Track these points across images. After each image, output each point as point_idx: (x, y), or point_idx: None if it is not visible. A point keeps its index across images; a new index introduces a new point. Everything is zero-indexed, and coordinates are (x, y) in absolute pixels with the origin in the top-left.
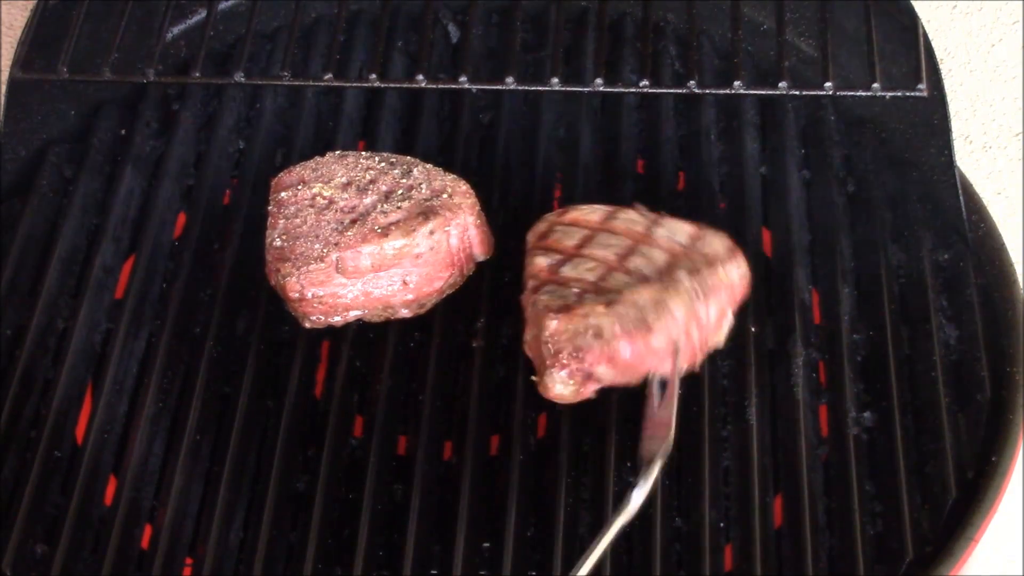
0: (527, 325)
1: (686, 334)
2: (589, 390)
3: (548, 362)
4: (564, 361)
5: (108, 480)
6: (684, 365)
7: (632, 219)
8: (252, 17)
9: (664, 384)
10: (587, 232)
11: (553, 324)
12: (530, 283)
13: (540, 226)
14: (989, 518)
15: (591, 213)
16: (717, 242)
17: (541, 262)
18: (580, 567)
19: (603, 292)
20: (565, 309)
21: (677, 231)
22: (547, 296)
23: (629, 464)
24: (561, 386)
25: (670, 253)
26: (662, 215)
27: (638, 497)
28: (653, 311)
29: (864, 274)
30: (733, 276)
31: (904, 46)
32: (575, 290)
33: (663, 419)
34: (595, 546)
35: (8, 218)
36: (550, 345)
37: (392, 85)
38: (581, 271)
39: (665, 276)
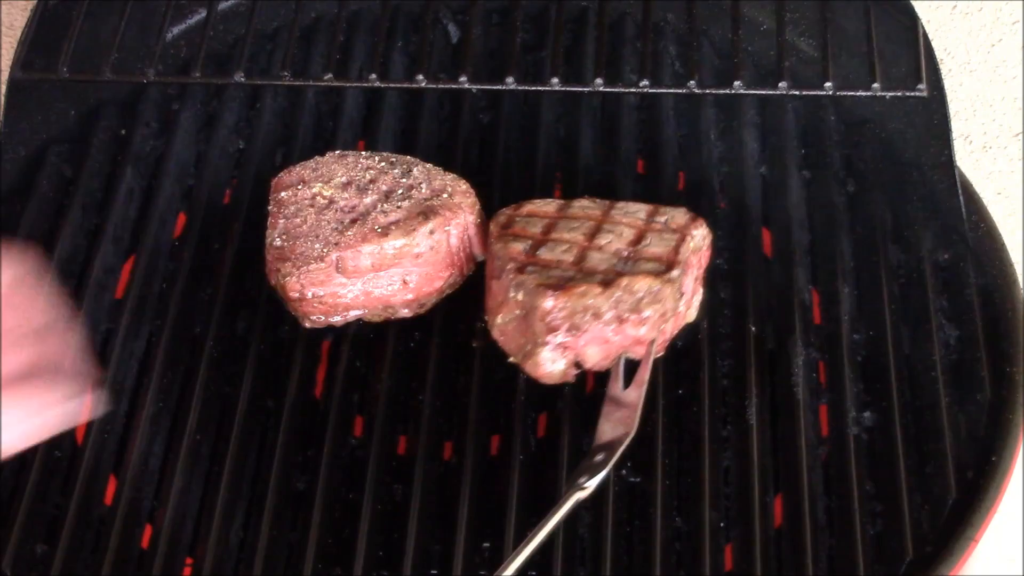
0: (503, 308)
1: (670, 319)
2: (572, 373)
3: (541, 340)
4: (560, 339)
5: (108, 480)
6: (660, 350)
7: (586, 205)
8: (252, 17)
9: (630, 364)
10: (548, 220)
11: (550, 301)
12: (509, 265)
13: (500, 218)
14: (989, 518)
15: (546, 204)
16: (675, 212)
17: (516, 246)
18: (527, 544)
19: (588, 273)
20: (562, 287)
21: (633, 208)
22: (536, 276)
23: (629, 464)
24: (551, 364)
25: (634, 227)
26: (614, 201)
27: (593, 483)
28: (647, 299)
29: (864, 274)
30: (700, 242)
31: (904, 46)
32: (558, 272)
33: (630, 401)
34: (546, 523)
35: (8, 218)
36: (546, 322)
37: (392, 85)
38: (558, 253)
39: (642, 256)
